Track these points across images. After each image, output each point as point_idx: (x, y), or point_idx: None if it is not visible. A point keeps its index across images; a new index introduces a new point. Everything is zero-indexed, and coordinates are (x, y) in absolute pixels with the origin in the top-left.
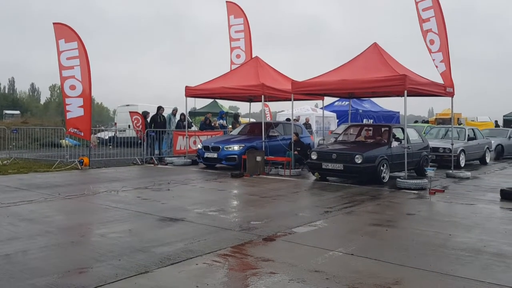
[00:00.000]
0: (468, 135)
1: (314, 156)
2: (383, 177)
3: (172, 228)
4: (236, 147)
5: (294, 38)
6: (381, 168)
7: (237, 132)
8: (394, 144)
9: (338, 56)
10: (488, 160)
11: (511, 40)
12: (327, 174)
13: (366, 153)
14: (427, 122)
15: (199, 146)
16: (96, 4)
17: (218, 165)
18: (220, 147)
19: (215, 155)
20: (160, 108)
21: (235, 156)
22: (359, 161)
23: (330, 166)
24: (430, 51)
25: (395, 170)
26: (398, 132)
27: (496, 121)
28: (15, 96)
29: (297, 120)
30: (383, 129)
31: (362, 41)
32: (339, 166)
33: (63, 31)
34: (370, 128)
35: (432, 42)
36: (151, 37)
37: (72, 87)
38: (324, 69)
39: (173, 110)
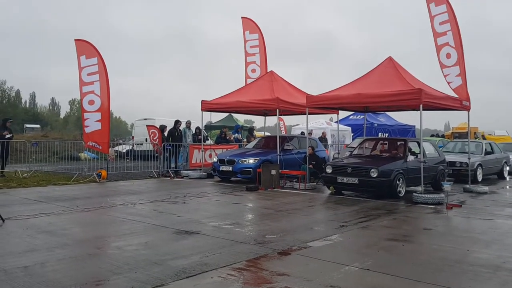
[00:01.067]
0: (485, 149)
1: (329, 170)
2: (399, 191)
3: (187, 241)
4: (251, 161)
5: (307, 52)
6: (397, 182)
7: (252, 145)
8: (410, 158)
9: (351, 71)
10: (506, 174)
11: None
12: (342, 188)
13: (382, 167)
14: (442, 136)
15: (215, 159)
16: (111, 22)
17: (233, 178)
18: (235, 160)
19: (230, 168)
20: (177, 122)
21: (250, 169)
22: (375, 175)
23: (345, 180)
24: (442, 65)
25: (411, 184)
26: (414, 146)
27: None
28: (36, 110)
29: (310, 133)
30: (398, 143)
31: (375, 56)
32: (354, 180)
33: (84, 48)
34: (386, 142)
35: (448, 56)
36: (166, 53)
37: (91, 102)
38: (337, 83)
39: (187, 123)
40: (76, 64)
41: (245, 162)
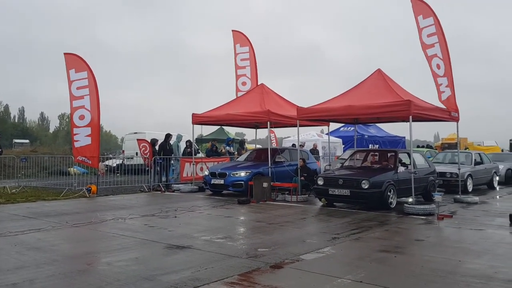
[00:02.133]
0: (475, 159)
1: (320, 182)
2: (391, 203)
3: (179, 256)
4: (242, 173)
5: (296, 65)
6: (388, 193)
7: (243, 158)
8: (401, 169)
9: (338, 83)
10: (495, 184)
11: (507, 66)
12: (333, 200)
13: (373, 178)
14: (430, 147)
15: (206, 172)
16: (98, 36)
17: (225, 192)
18: (227, 173)
19: (222, 182)
20: (169, 136)
21: (242, 182)
22: (366, 187)
23: (336, 191)
24: (435, 75)
25: (402, 195)
26: (404, 157)
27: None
28: (25, 125)
29: (302, 146)
30: (389, 154)
31: (364, 68)
32: (345, 192)
33: (74, 61)
34: (376, 153)
35: (438, 67)
36: (154, 66)
37: (81, 117)
38: (326, 95)
39: (178, 137)
40: (65, 78)
41: (237, 175)
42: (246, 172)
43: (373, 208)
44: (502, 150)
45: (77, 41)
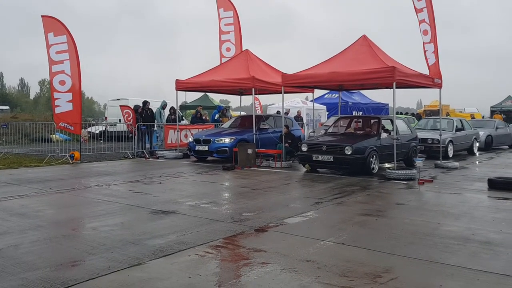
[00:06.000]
0: (456, 126)
1: (304, 148)
2: (373, 168)
3: (164, 221)
4: (227, 140)
5: (277, 30)
6: (371, 159)
7: (228, 125)
8: (383, 135)
9: (323, 48)
10: (475, 150)
11: (483, 33)
12: (317, 166)
13: (356, 144)
14: (412, 114)
15: (190, 139)
16: (67, 2)
17: (209, 158)
18: (211, 140)
19: (206, 148)
20: (146, 103)
21: (226, 148)
22: (349, 153)
23: (320, 158)
24: (424, 41)
25: (385, 161)
26: (387, 124)
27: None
28: (4, 91)
29: (287, 113)
30: (372, 121)
31: (347, 33)
32: (329, 158)
33: (52, 24)
34: (360, 120)
35: (425, 32)
36: (133, 31)
37: (62, 82)
38: (308, 61)
39: (162, 104)
40: (44, 43)
41: (221, 142)
42: (231, 139)
43: (355, 174)
44: (483, 117)
45: (48, 7)
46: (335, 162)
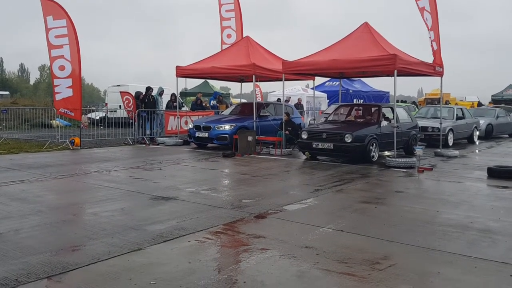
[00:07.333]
0: (457, 114)
1: (304, 136)
2: (373, 156)
3: (164, 207)
4: (227, 127)
5: (276, 17)
6: (371, 147)
7: (228, 112)
8: (384, 123)
9: (324, 35)
10: (475, 139)
11: (484, 21)
12: (317, 154)
13: (356, 132)
14: (413, 103)
15: (190, 126)
16: None
17: (209, 145)
18: (211, 126)
19: (206, 135)
20: (149, 89)
21: (226, 135)
22: (349, 140)
23: (320, 145)
24: (428, 28)
25: (385, 149)
26: (387, 112)
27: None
28: (4, 76)
29: (287, 100)
30: (373, 109)
31: (348, 20)
32: (329, 146)
33: (51, 8)
34: (360, 108)
35: (427, 20)
36: (132, 17)
37: (61, 68)
38: (308, 49)
39: (159, 91)
40: (43, 26)
41: (221, 128)
42: (231, 126)
43: (355, 161)
44: (480, 104)
45: None
46: (335, 150)
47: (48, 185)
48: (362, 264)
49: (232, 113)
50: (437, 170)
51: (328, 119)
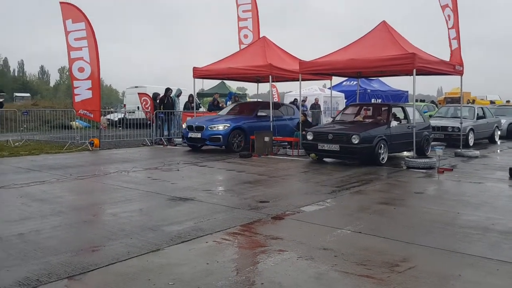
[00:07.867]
0: (477, 113)
1: (310, 137)
2: (382, 158)
3: (182, 208)
4: (221, 127)
5: (294, 17)
6: (379, 149)
7: (225, 112)
8: (394, 123)
9: (342, 36)
10: (497, 138)
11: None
12: (323, 155)
13: (363, 133)
14: (423, 101)
15: (184, 126)
16: None
17: (204, 148)
18: (205, 126)
19: (199, 135)
20: (168, 90)
21: (220, 136)
22: (356, 142)
23: (326, 147)
24: (447, 25)
25: (394, 151)
26: (398, 112)
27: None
28: (25, 79)
29: (304, 101)
30: (382, 109)
31: (364, 21)
32: (335, 147)
33: (70, 11)
34: (369, 107)
35: (449, 17)
36: (150, 19)
37: (81, 70)
38: (325, 49)
39: (177, 93)
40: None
41: (215, 128)
42: (225, 126)
43: (363, 164)
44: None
45: None
46: (342, 152)
47: (68, 186)
48: (381, 267)
49: (230, 113)
50: (458, 170)
51: (336, 119)
